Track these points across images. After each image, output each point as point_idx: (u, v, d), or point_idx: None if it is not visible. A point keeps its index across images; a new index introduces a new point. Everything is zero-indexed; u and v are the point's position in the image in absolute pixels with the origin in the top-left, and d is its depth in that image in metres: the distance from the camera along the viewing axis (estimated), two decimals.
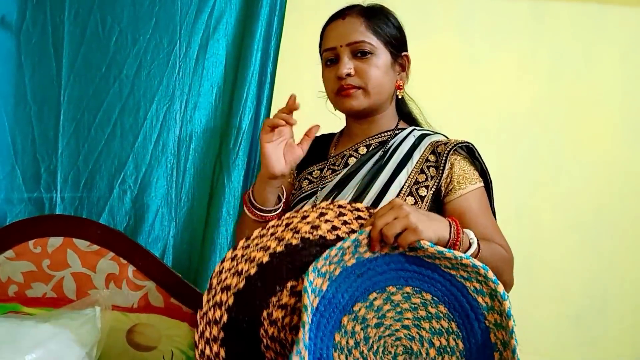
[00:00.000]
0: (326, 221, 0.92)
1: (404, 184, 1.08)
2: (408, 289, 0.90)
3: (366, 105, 1.13)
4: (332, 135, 1.28)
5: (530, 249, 1.87)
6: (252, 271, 0.90)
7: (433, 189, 1.08)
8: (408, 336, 0.89)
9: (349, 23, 1.11)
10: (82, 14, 1.59)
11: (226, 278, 0.91)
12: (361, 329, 0.89)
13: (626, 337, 1.91)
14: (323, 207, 0.95)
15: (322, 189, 1.15)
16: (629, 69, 1.88)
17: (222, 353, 0.89)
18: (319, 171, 1.19)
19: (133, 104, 1.62)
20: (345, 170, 1.15)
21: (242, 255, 0.91)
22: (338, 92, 1.12)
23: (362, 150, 1.16)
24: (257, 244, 0.92)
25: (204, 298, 0.89)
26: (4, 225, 1.53)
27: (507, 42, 1.87)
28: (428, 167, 1.09)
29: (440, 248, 0.86)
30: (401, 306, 0.90)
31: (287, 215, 0.95)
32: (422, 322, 0.89)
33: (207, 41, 1.63)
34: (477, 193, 1.10)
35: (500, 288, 0.84)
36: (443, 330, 0.88)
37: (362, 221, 0.93)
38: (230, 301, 0.89)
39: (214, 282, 0.91)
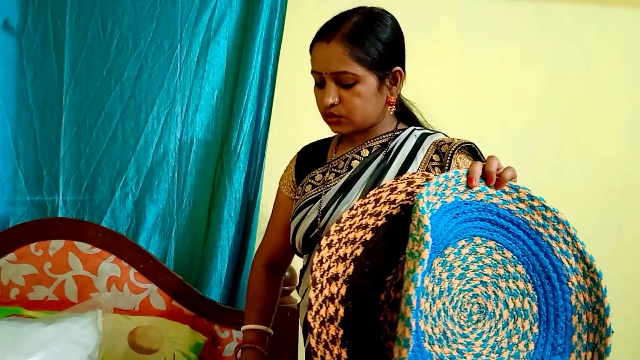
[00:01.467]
0: (418, 186, 0.86)
1: None
2: (491, 243, 0.85)
3: (352, 130, 1.13)
4: (328, 140, 1.28)
5: None
6: (358, 252, 0.80)
7: None
8: (484, 294, 0.84)
9: (332, 48, 1.06)
10: (83, 17, 1.60)
11: (330, 267, 0.79)
12: (447, 277, 0.82)
13: (629, 337, 1.90)
14: (407, 177, 0.89)
15: (326, 192, 1.15)
16: (629, 69, 1.88)
17: (344, 354, 0.77)
18: (321, 175, 1.19)
19: (134, 107, 1.63)
20: (349, 173, 1.15)
21: (340, 239, 0.81)
22: (325, 115, 1.12)
23: (365, 152, 1.16)
24: (351, 225, 0.82)
25: (311, 295, 0.77)
26: (5, 229, 1.54)
27: (509, 44, 1.87)
28: (433, 167, 1.09)
29: (541, 196, 0.85)
30: (483, 260, 0.84)
31: (372, 192, 0.86)
32: (499, 280, 0.85)
33: (207, 44, 1.64)
34: None
35: (587, 250, 0.83)
36: (519, 292, 0.85)
37: None
38: (343, 291, 0.78)
39: (317, 274, 0.78)
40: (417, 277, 0.69)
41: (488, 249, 0.84)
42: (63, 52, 1.60)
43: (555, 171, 1.89)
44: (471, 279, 0.83)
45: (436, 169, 1.08)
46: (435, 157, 1.09)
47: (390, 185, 0.87)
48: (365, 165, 1.13)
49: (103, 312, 1.41)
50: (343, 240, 0.81)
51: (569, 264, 0.84)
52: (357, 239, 0.81)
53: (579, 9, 1.87)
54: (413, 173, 0.91)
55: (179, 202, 1.65)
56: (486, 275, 0.84)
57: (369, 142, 1.16)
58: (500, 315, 0.83)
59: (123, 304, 1.52)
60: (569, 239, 0.84)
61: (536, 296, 0.84)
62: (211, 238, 1.62)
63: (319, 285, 0.77)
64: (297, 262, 1.27)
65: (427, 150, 1.11)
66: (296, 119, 1.78)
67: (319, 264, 0.79)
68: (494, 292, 0.84)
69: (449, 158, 1.07)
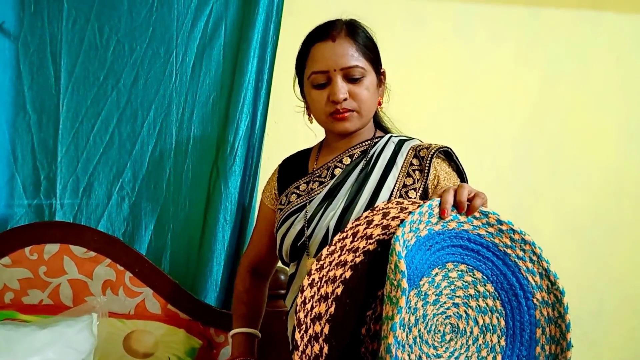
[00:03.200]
0: (393, 218, 0.90)
1: (394, 188, 1.11)
2: (463, 267, 0.91)
3: (359, 126, 1.16)
4: (307, 151, 1.30)
5: None
6: (339, 291, 0.85)
7: (420, 191, 1.11)
8: (457, 314, 0.90)
9: (340, 46, 1.10)
10: (79, 23, 1.61)
11: (313, 307, 0.84)
12: (422, 305, 0.87)
13: (624, 341, 1.90)
14: (383, 208, 0.92)
15: (311, 201, 1.17)
16: (624, 74, 1.89)
17: None
18: (305, 184, 1.21)
19: (131, 113, 1.64)
20: (333, 181, 1.17)
21: (321, 278, 0.85)
22: (332, 115, 1.13)
23: (346, 160, 1.18)
24: (331, 262, 0.86)
25: (297, 336, 0.81)
26: (0, 233, 1.54)
27: (503, 48, 1.88)
28: (413, 171, 1.12)
29: (505, 219, 0.90)
30: (455, 284, 0.90)
31: (349, 226, 0.90)
32: (470, 300, 0.90)
33: (203, 49, 1.65)
34: None
35: (551, 267, 0.88)
36: (488, 308, 0.90)
37: None
38: (326, 330, 0.83)
39: (301, 315, 0.83)
40: (395, 327, 0.75)
41: (460, 273, 0.90)
42: (60, 58, 1.61)
43: (550, 176, 1.89)
44: (444, 303, 0.89)
45: (416, 172, 1.11)
46: (415, 162, 1.13)
47: (366, 217, 0.91)
48: (348, 173, 1.16)
49: (98, 316, 1.41)
50: (324, 279, 0.85)
51: (535, 281, 0.90)
52: (337, 277, 0.85)
53: (573, 14, 1.88)
54: (388, 202, 0.93)
55: (175, 206, 1.65)
56: (458, 297, 0.90)
57: (349, 150, 1.19)
58: (471, 332, 0.89)
59: (118, 308, 1.52)
60: (534, 258, 0.90)
61: (504, 312, 0.90)
62: (207, 242, 1.62)
63: (304, 326, 0.82)
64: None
65: (407, 155, 1.14)
66: (292, 123, 1.77)
67: (302, 305, 0.83)
68: (465, 311, 0.90)
69: (427, 162, 1.11)
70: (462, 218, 0.90)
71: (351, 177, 1.15)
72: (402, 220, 0.87)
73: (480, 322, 0.90)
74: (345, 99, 1.10)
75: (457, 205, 0.89)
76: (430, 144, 1.15)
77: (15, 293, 1.51)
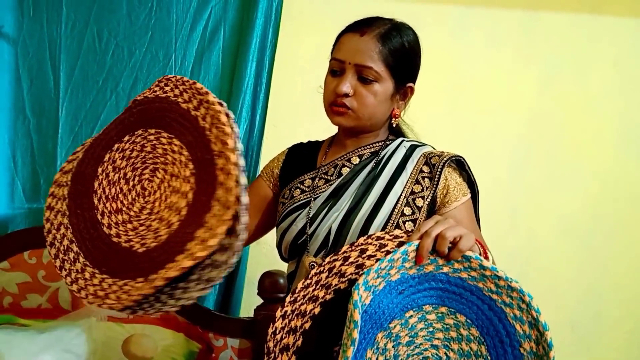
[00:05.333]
0: (369, 257, 0.90)
1: (401, 194, 1.09)
2: (443, 309, 0.90)
3: (353, 125, 1.14)
4: (318, 143, 1.29)
5: (525, 256, 1.87)
6: (307, 325, 0.88)
7: (428, 200, 1.09)
8: (435, 356, 0.90)
9: (364, 43, 1.09)
10: (78, 27, 1.62)
11: (282, 338, 0.87)
12: (392, 346, 0.88)
13: (621, 344, 1.90)
14: (362, 244, 0.92)
15: (315, 198, 1.16)
16: (622, 77, 1.89)
17: None
18: (310, 180, 1.19)
19: None
20: (339, 180, 1.16)
21: (293, 311, 0.88)
22: (331, 105, 1.13)
23: (355, 160, 1.17)
24: (304, 296, 0.89)
25: None
26: None
27: (501, 52, 1.88)
28: (423, 178, 1.11)
29: (495, 266, 0.86)
30: (434, 326, 0.90)
31: (328, 259, 0.91)
32: (451, 343, 0.90)
33: (202, 53, 1.65)
34: (467, 204, 1.12)
35: (542, 318, 0.85)
36: (472, 353, 0.89)
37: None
38: None
39: (271, 345, 0.87)
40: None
41: (439, 315, 0.89)
42: (59, 62, 1.62)
43: (548, 178, 1.89)
44: (420, 344, 0.89)
45: (426, 180, 1.10)
46: (425, 169, 1.11)
47: (344, 252, 0.91)
48: (356, 173, 1.15)
49: (97, 320, 1.41)
50: (295, 312, 0.89)
51: (523, 330, 0.86)
52: (307, 312, 0.89)
53: (571, 17, 1.88)
54: (368, 238, 0.92)
55: None
56: (437, 339, 0.90)
57: (359, 149, 1.17)
58: None
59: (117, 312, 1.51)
60: (523, 305, 0.86)
61: (489, 357, 0.88)
62: None
63: (272, 355, 0.87)
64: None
65: (417, 162, 1.12)
66: (291, 126, 1.79)
67: (272, 335, 0.87)
68: (445, 353, 0.89)
69: (438, 171, 1.09)
70: (441, 261, 0.87)
71: (358, 178, 1.14)
72: (377, 260, 0.87)
73: None
74: (347, 95, 1.10)
75: (437, 253, 0.86)
76: (443, 152, 1.13)
77: (14, 297, 1.51)
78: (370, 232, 1.05)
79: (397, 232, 0.92)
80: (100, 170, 0.98)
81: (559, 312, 1.89)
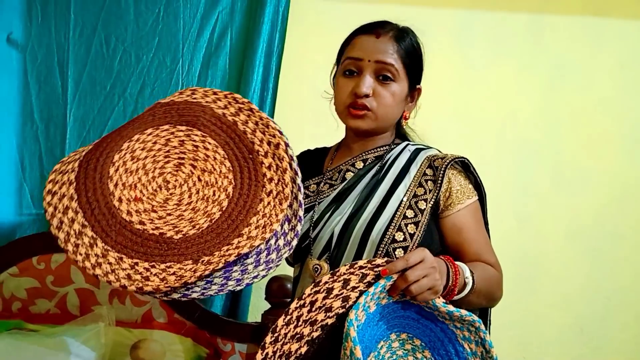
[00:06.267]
0: (353, 288, 0.88)
1: (403, 197, 1.09)
2: (404, 336, 0.93)
3: (372, 128, 1.14)
4: (326, 149, 1.29)
5: (532, 258, 1.86)
6: None
7: (432, 202, 1.09)
8: None
9: (381, 43, 1.09)
10: (86, 33, 1.63)
11: None
12: None
13: (629, 347, 1.88)
14: (345, 273, 0.90)
15: (319, 203, 1.16)
16: (627, 79, 1.88)
17: None
18: (315, 185, 1.20)
19: None
20: (343, 184, 1.16)
21: (274, 352, 0.83)
22: (349, 107, 1.12)
23: (359, 164, 1.17)
24: (286, 334, 0.84)
25: None
26: (7, 243, 1.55)
27: (507, 54, 1.87)
28: (426, 181, 1.10)
29: (451, 308, 0.90)
30: (397, 353, 0.92)
31: (307, 293, 0.87)
32: None
33: (209, 58, 1.66)
34: (473, 207, 1.11)
35: (488, 337, 0.91)
36: None
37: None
38: None
39: None
40: None
41: (401, 341, 0.93)
42: (67, 67, 1.63)
43: (554, 182, 1.89)
44: None
45: (429, 182, 1.10)
46: (429, 172, 1.11)
47: (326, 283, 0.88)
48: (359, 178, 1.14)
49: (105, 325, 1.42)
50: (278, 354, 0.83)
51: (470, 348, 0.92)
52: (293, 353, 0.83)
53: (576, 20, 1.87)
54: (351, 267, 0.91)
55: None
56: None
57: (364, 154, 1.17)
58: None
59: (125, 316, 1.52)
60: (472, 329, 0.92)
61: None
62: None
63: None
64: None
65: (421, 165, 1.12)
66: (297, 130, 1.78)
67: None
68: None
69: (441, 173, 1.08)
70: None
71: (362, 182, 1.14)
72: (360, 292, 0.87)
73: None
74: (367, 96, 1.09)
75: (407, 292, 0.88)
76: (447, 154, 1.12)
77: (22, 302, 1.51)
78: (372, 235, 1.05)
79: (378, 261, 0.91)
80: (116, 157, 0.99)
81: (567, 316, 1.88)
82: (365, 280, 0.88)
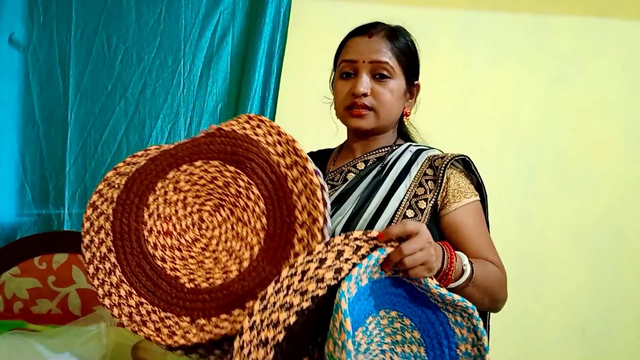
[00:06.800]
0: (346, 260, 0.86)
1: (404, 198, 1.09)
2: (393, 313, 0.90)
3: (374, 127, 1.14)
4: (329, 150, 1.29)
5: (535, 260, 1.86)
6: (280, 337, 0.80)
7: (432, 202, 1.08)
8: None
9: (374, 42, 1.11)
10: (88, 33, 1.63)
11: (250, 352, 0.78)
12: (354, 355, 0.85)
13: (632, 348, 1.88)
14: (339, 244, 0.88)
15: None
16: (629, 80, 1.88)
17: None
18: None
19: (138, 122, 1.65)
20: (344, 185, 1.16)
21: (262, 321, 0.81)
22: (349, 108, 1.13)
23: (361, 165, 1.17)
24: (275, 303, 0.82)
25: None
26: (9, 243, 1.55)
27: (509, 55, 1.88)
28: (426, 181, 1.10)
29: (444, 291, 0.87)
30: (385, 330, 0.90)
31: (300, 261, 0.85)
32: (396, 346, 0.90)
33: (210, 59, 1.66)
34: (472, 207, 1.10)
35: (481, 324, 0.88)
36: (411, 355, 0.90)
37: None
38: None
39: None
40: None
41: (390, 319, 0.90)
42: (68, 68, 1.63)
43: (556, 182, 1.89)
44: (373, 350, 0.89)
45: (429, 182, 1.09)
46: (429, 172, 1.11)
47: (319, 254, 0.86)
48: (361, 179, 1.14)
49: (107, 325, 1.41)
50: (265, 322, 0.81)
51: (461, 333, 0.89)
52: (281, 322, 0.81)
53: (578, 21, 1.88)
54: (346, 237, 0.89)
55: None
56: (386, 343, 0.90)
57: (366, 155, 1.17)
58: None
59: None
60: (465, 314, 0.88)
61: (426, 358, 0.90)
62: None
63: None
64: None
65: (422, 165, 1.12)
66: (298, 131, 1.77)
67: (239, 350, 0.78)
68: (390, 357, 0.90)
69: (441, 172, 1.08)
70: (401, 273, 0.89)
71: (363, 182, 1.14)
72: (354, 264, 0.84)
73: None
74: (365, 95, 1.09)
75: (400, 265, 0.87)
76: (447, 154, 1.12)
77: (24, 303, 1.51)
78: None
79: (373, 233, 0.88)
80: (159, 185, 0.95)
81: (570, 317, 1.88)
82: (359, 253, 0.86)
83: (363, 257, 0.86)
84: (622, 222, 1.88)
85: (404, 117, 1.18)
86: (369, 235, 0.88)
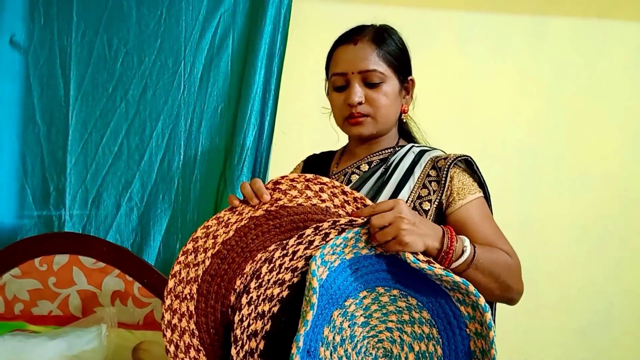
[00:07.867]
0: (330, 240, 0.91)
1: (407, 199, 1.09)
2: (395, 292, 0.92)
3: (374, 132, 1.15)
4: (332, 153, 1.30)
5: (535, 262, 1.85)
6: (275, 309, 0.90)
7: (436, 203, 1.08)
8: (390, 339, 0.92)
9: (360, 50, 1.11)
10: (88, 35, 1.63)
11: (250, 324, 0.88)
12: (348, 326, 0.91)
13: (632, 351, 1.88)
14: (325, 228, 0.92)
15: None
16: (630, 82, 1.88)
17: None
18: None
19: (139, 124, 1.65)
20: (348, 187, 1.16)
21: (259, 296, 0.89)
22: (347, 119, 1.13)
23: (364, 167, 1.18)
24: (269, 280, 0.90)
25: (233, 351, 0.86)
26: (10, 244, 1.55)
27: (509, 57, 1.87)
28: (430, 182, 1.10)
29: (424, 265, 0.88)
30: (387, 308, 0.92)
31: (290, 244, 0.92)
32: (404, 325, 0.92)
33: (211, 60, 1.66)
34: (477, 202, 1.10)
35: (482, 301, 0.87)
36: (424, 335, 0.91)
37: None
38: (261, 346, 0.88)
39: (238, 332, 0.86)
40: (299, 338, 0.81)
41: (392, 297, 0.93)
42: (69, 70, 1.63)
43: (557, 184, 1.88)
44: (375, 326, 0.92)
45: (433, 183, 1.09)
46: (432, 173, 1.11)
47: (308, 236, 0.92)
48: (364, 180, 1.15)
49: (107, 326, 1.42)
50: (261, 297, 0.89)
51: (467, 312, 0.89)
52: (275, 296, 0.90)
53: (579, 22, 1.87)
54: (334, 223, 0.93)
55: (183, 216, 1.66)
56: (391, 321, 0.92)
57: (369, 157, 1.18)
58: (406, 358, 0.91)
59: (127, 318, 1.52)
60: (463, 290, 0.88)
61: (441, 340, 0.91)
62: None
63: (240, 342, 0.87)
64: None
65: (425, 166, 1.12)
66: (299, 132, 1.79)
67: (239, 322, 0.87)
68: (399, 336, 0.92)
69: (444, 173, 1.08)
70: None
71: (367, 184, 1.14)
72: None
73: (417, 348, 0.91)
74: (360, 103, 1.10)
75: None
76: (450, 154, 1.13)
77: (24, 304, 1.52)
78: None
79: (358, 219, 0.93)
80: (238, 282, 0.94)
81: (570, 318, 1.87)
82: (342, 235, 0.92)
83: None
84: (623, 224, 1.88)
85: (402, 114, 1.18)
86: (352, 219, 0.94)
